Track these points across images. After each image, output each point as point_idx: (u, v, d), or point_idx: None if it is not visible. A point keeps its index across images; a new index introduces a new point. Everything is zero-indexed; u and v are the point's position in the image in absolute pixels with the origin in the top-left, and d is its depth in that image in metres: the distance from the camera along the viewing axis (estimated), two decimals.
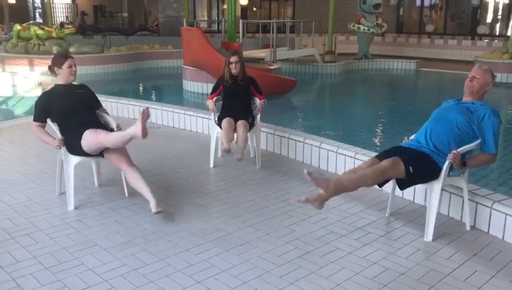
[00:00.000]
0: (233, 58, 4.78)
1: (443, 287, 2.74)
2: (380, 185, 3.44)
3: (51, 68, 3.89)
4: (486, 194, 3.50)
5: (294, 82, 9.18)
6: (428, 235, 3.30)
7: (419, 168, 3.16)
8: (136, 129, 3.37)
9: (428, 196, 3.35)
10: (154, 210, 3.46)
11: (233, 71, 4.80)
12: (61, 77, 3.86)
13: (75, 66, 3.87)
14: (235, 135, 4.60)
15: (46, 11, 17.85)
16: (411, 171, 3.11)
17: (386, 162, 3.09)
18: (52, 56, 4.03)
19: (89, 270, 2.87)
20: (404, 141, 3.55)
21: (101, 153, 3.72)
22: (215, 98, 4.89)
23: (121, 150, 3.68)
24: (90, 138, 3.56)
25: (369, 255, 3.10)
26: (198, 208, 3.80)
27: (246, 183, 4.37)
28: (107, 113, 4.11)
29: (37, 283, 2.73)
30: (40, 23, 15.64)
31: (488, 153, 3.32)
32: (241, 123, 4.58)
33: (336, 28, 14.02)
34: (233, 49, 5.90)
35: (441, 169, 3.20)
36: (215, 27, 20.24)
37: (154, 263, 2.95)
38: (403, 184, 3.30)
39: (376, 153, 3.65)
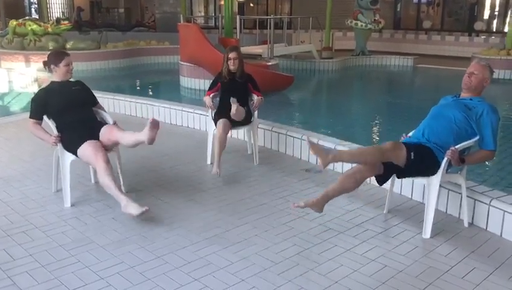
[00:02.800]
0: (232, 54, 4.74)
1: (441, 285, 2.73)
2: (380, 183, 3.44)
3: (46, 64, 3.85)
4: (484, 191, 3.50)
5: (292, 78, 9.17)
6: (427, 232, 3.29)
7: (420, 156, 3.17)
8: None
9: (427, 192, 3.34)
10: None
11: (231, 67, 4.75)
12: (58, 75, 3.83)
13: (72, 64, 3.85)
14: (230, 131, 4.62)
15: (42, 7, 17.75)
16: (412, 157, 3.11)
17: (388, 143, 3.15)
18: (49, 52, 4.00)
19: (85, 267, 2.85)
20: (402, 138, 3.54)
21: None
22: (212, 94, 4.85)
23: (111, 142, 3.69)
24: (87, 155, 3.54)
25: (367, 252, 3.09)
26: (195, 205, 3.78)
27: (244, 180, 4.36)
28: (104, 110, 4.08)
29: (33, 280, 2.71)
30: (36, 18, 15.56)
31: (487, 150, 3.31)
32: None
33: (333, 24, 14.01)
34: (232, 45, 5.85)
35: (440, 164, 3.19)
36: (212, 23, 20.17)
37: (151, 261, 2.93)
38: (401, 172, 3.28)
39: None
